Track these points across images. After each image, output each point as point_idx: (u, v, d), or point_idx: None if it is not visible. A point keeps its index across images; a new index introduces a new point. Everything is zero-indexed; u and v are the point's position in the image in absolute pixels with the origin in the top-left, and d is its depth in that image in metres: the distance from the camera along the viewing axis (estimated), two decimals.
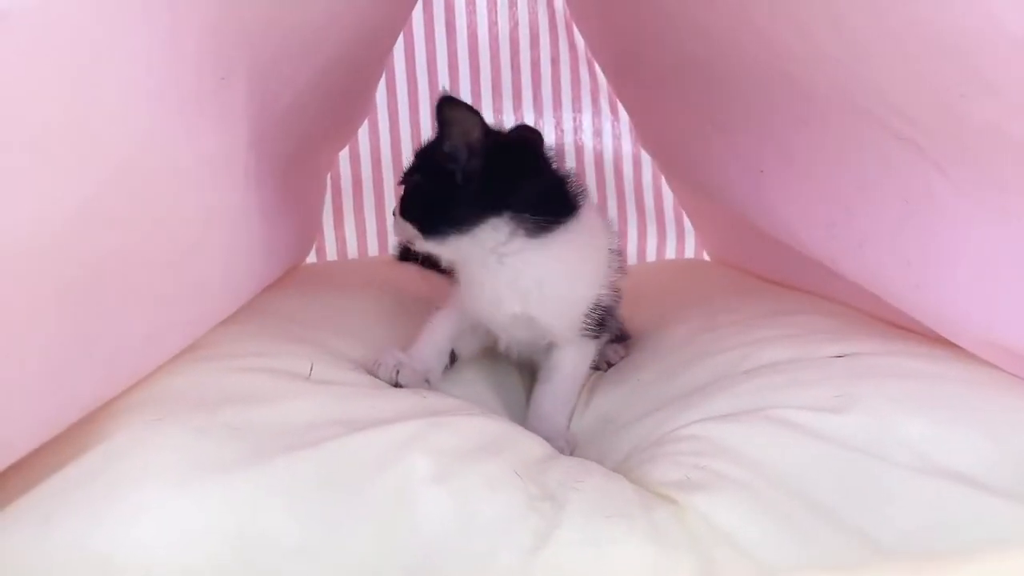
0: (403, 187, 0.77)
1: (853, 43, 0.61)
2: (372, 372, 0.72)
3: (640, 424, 0.73)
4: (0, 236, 0.36)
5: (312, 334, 0.78)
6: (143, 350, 0.56)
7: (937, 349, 0.69)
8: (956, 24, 0.51)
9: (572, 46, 1.59)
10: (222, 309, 0.69)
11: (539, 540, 0.47)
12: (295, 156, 0.91)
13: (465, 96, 1.55)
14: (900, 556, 0.47)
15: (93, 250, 0.44)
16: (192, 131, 0.51)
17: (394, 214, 0.79)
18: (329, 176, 1.44)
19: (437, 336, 0.81)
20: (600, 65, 1.50)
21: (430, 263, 1.03)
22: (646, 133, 1.38)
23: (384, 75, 1.46)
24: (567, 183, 0.78)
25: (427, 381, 0.75)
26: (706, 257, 1.55)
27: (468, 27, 1.53)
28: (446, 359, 0.82)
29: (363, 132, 1.49)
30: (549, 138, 1.62)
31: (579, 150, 1.63)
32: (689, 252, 1.65)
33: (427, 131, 0.86)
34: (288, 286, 0.96)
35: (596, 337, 0.83)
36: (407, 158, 0.88)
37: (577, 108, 1.61)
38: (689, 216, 1.57)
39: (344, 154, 1.49)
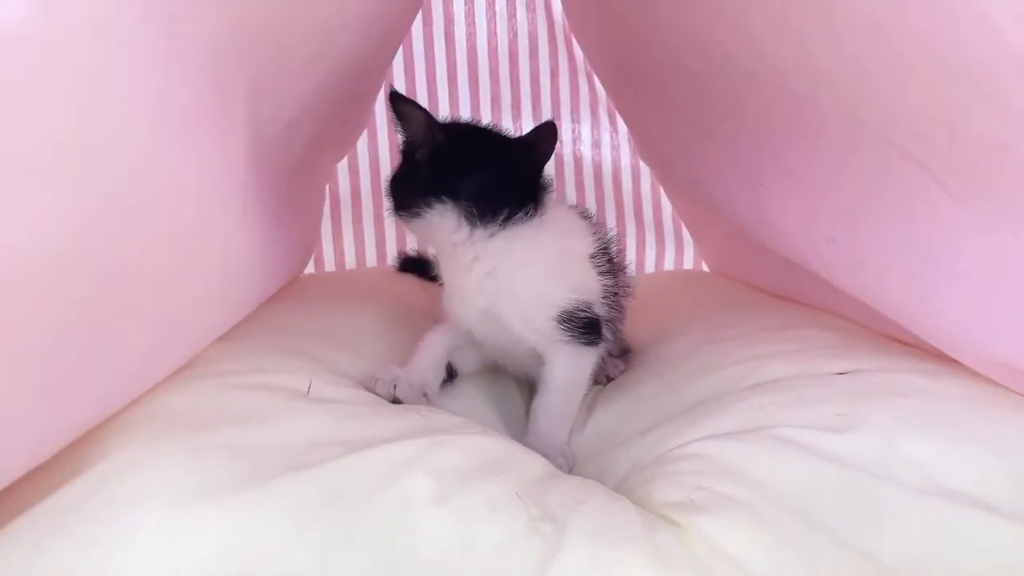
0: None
1: (854, 59, 0.60)
2: (370, 389, 0.72)
3: (641, 441, 0.72)
4: None
5: (311, 348, 0.77)
6: (141, 368, 0.55)
7: (940, 366, 0.69)
8: (959, 40, 0.50)
9: (571, 58, 1.59)
10: (220, 324, 0.68)
11: (541, 564, 0.46)
12: (294, 169, 0.90)
13: (464, 108, 1.56)
14: None
15: (91, 269, 0.44)
16: (192, 149, 0.51)
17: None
18: (327, 187, 1.44)
19: (433, 350, 0.82)
20: (599, 77, 1.51)
21: (430, 274, 1.03)
22: (645, 145, 1.38)
23: (383, 86, 1.46)
24: (528, 181, 0.80)
25: (425, 396, 0.76)
26: (705, 268, 1.55)
27: (467, 39, 1.54)
28: (443, 373, 0.83)
29: (362, 143, 1.49)
30: None
31: (578, 161, 1.63)
32: (688, 263, 1.64)
33: None
34: (287, 298, 0.96)
35: (589, 346, 0.80)
36: None
37: (576, 119, 1.61)
38: (688, 227, 1.57)
39: (343, 165, 1.49)
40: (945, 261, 0.65)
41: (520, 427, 0.82)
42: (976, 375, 0.66)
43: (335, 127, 1.06)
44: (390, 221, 1.53)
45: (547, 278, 0.78)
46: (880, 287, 0.73)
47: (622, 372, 0.98)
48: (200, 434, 0.52)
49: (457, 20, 1.53)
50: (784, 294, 1.11)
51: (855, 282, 0.76)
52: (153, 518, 0.44)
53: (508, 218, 0.76)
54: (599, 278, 0.81)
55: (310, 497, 0.48)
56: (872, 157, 0.68)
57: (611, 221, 1.64)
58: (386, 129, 1.50)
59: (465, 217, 0.75)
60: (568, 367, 0.79)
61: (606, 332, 0.84)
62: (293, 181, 0.92)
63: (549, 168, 1.60)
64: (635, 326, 1.03)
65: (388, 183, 0.82)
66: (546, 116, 1.61)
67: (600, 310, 0.82)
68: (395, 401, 0.71)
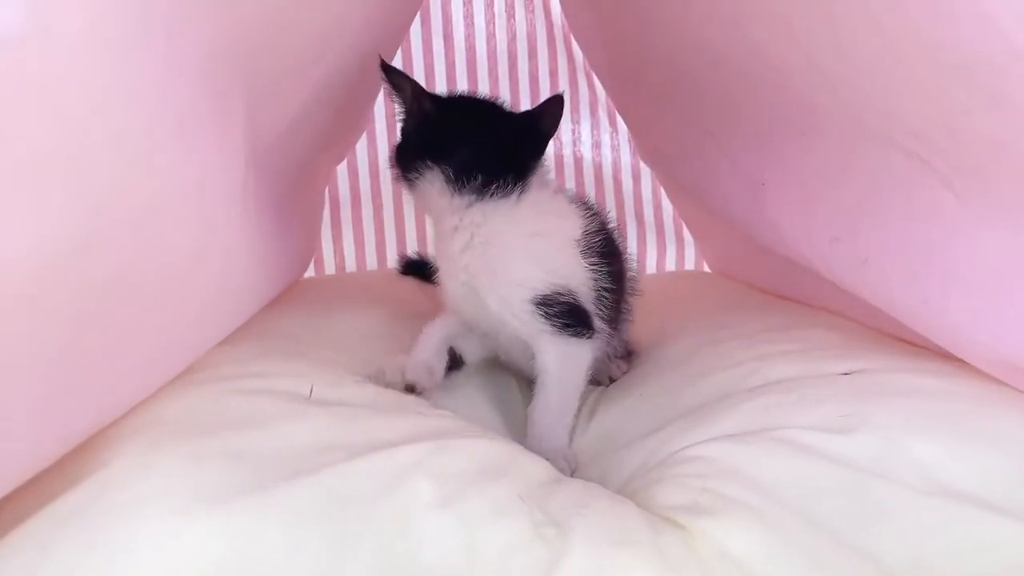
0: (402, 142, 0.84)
1: (855, 59, 0.60)
2: (378, 380, 0.74)
3: (644, 443, 0.72)
4: None
5: (312, 351, 0.77)
6: (141, 374, 0.55)
7: (944, 365, 0.68)
8: (960, 40, 0.50)
9: (570, 59, 1.59)
10: (221, 330, 0.68)
11: (546, 569, 0.46)
12: (294, 172, 0.90)
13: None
14: None
15: (89, 275, 0.43)
16: (190, 153, 0.50)
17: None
18: (327, 190, 1.43)
19: (435, 337, 0.84)
20: (598, 77, 1.50)
21: (431, 277, 1.03)
22: (645, 145, 1.38)
23: (382, 87, 1.45)
24: (518, 156, 0.80)
25: (431, 374, 0.79)
26: (706, 269, 1.55)
27: (466, 40, 1.53)
28: (446, 359, 0.84)
29: (361, 145, 1.49)
30: (547, 150, 1.61)
31: (578, 162, 1.63)
32: (689, 264, 1.64)
33: None
34: (287, 302, 0.95)
35: (577, 338, 0.78)
36: None
37: (576, 120, 1.61)
38: (689, 227, 1.57)
39: (342, 168, 1.48)
40: (948, 259, 0.64)
41: (522, 429, 0.81)
42: (980, 374, 0.65)
43: (334, 130, 1.05)
44: (390, 223, 1.54)
45: (522, 258, 0.77)
46: (883, 286, 0.73)
47: (624, 373, 0.97)
48: (201, 440, 0.51)
49: (455, 21, 1.52)
50: (785, 294, 1.11)
51: (857, 282, 0.76)
52: (154, 525, 0.44)
53: (485, 188, 0.76)
54: (585, 266, 0.80)
55: (312, 503, 0.48)
56: (873, 156, 0.68)
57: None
58: (385, 131, 1.50)
59: (447, 183, 0.77)
60: (557, 360, 0.78)
61: (602, 326, 0.82)
62: (293, 185, 0.92)
63: (549, 169, 1.61)
64: (636, 327, 1.03)
65: (396, 148, 0.83)
66: None
67: (586, 299, 0.80)
68: (408, 389, 0.74)
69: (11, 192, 0.35)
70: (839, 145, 0.71)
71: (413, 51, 1.50)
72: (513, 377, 0.93)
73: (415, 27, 1.48)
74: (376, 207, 1.53)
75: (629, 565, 0.47)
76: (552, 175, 0.86)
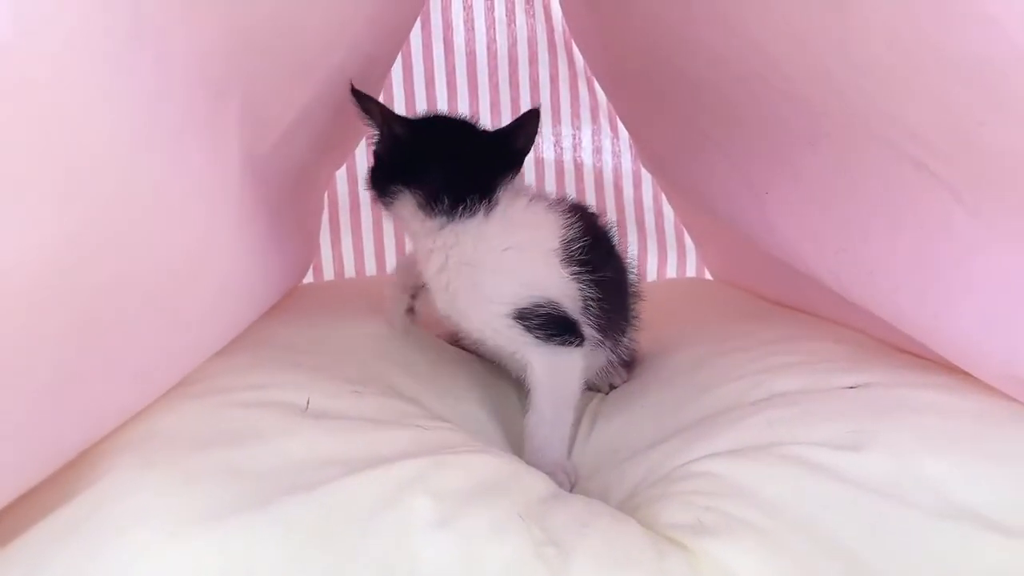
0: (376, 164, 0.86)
1: (864, 67, 0.59)
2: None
3: (646, 456, 0.71)
4: None
5: (310, 360, 0.75)
6: (134, 387, 0.54)
7: (952, 380, 0.67)
8: (974, 50, 0.49)
9: (571, 63, 1.58)
10: (216, 341, 0.67)
11: None
12: (292, 178, 0.89)
13: (463, 112, 1.55)
14: None
15: (79, 286, 0.42)
16: (183, 159, 0.49)
17: None
18: (326, 194, 1.42)
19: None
20: (599, 82, 1.49)
21: None
22: (646, 151, 1.37)
23: (382, 93, 1.44)
24: (491, 173, 0.80)
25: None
26: (708, 276, 1.53)
27: (466, 45, 1.52)
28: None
29: (360, 150, 1.47)
30: (548, 155, 1.61)
31: (578, 168, 1.62)
32: (691, 271, 1.63)
33: None
34: (285, 309, 0.94)
35: (565, 346, 0.76)
36: None
37: (576, 126, 1.60)
38: (691, 234, 1.56)
39: (341, 172, 1.47)
40: (958, 273, 0.63)
41: (522, 442, 0.80)
42: (989, 389, 0.64)
43: (333, 135, 1.04)
44: (389, 228, 1.53)
45: (495, 274, 0.76)
46: (891, 299, 0.71)
47: (625, 381, 0.96)
48: (195, 456, 0.50)
49: (456, 26, 1.51)
50: (789, 303, 1.10)
51: (865, 294, 0.75)
52: (149, 543, 0.43)
53: (454, 209, 0.76)
54: (566, 275, 0.78)
55: (308, 521, 0.47)
56: (882, 166, 0.67)
57: None
58: None
59: (419, 206, 0.78)
60: (546, 371, 0.76)
61: (592, 333, 0.80)
62: (291, 190, 0.90)
63: (551, 175, 1.60)
64: (636, 334, 1.02)
65: (371, 171, 0.85)
66: (546, 122, 1.59)
67: (572, 308, 0.78)
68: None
69: (1, 201, 0.34)
70: (846, 154, 0.70)
71: (413, 56, 1.49)
72: (512, 389, 0.91)
73: (415, 32, 1.47)
74: (375, 212, 1.52)
75: None
76: (529, 183, 0.85)
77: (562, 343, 0.76)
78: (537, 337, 0.75)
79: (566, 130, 1.61)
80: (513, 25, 1.55)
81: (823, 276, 0.81)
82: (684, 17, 0.81)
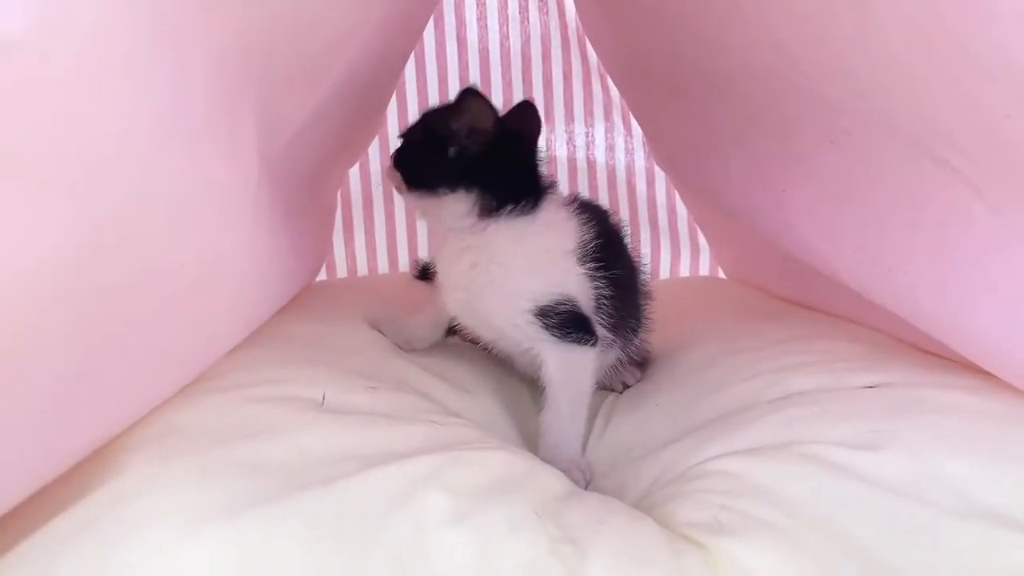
0: (402, 140, 0.85)
1: (885, 64, 0.58)
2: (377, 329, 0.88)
3: (661, 454, 0.70)
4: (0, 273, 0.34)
5: (325, 356, 0.75)
6: (150, 384, 0.54)
7: (973, 379, 0.66)
8: (1000, 44, 0.48)
9: (585, 60, 1.57)
10: (232, 338, 0.67)
11: None
12: (306, 177, 0.89)
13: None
14: None
15: (97, 286, 0.42)
16: (200, 161, 0.49)
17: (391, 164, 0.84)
18: (339, 192, 1.42)
19: (436, 310, 0.88)
20: (613, 80, 1.49)
21: None
22: (660, 148, 1.36)
23: (394, 92, 1.44)
24: (537, 175, 0.82)
25: (423, 341, 0.90)
26: (721, 275, 1.53)
27: (479, 42, 1.52)
28: (441, 332, 0.92)
29: (373, 148, 1.47)
30: (561, 153, 1.61)
31: (591, 165, 1.62)
32: (704, 269, 1.62)
33: None
34: (300, 307, 0.94)
35: (579, 344, 0.78)
36: None
37: (589, 123, 1.59)
38: (704, 232, 1.55)
39: (354, 170, 1.47)
40: (979, 271, 0.62)
41: (535, 438, 0.80)
42: (1010, 389, 0.63)
43: (347, 134, 1.04)
44: (402, 226, 1.53)
45: (524, 273, 0.78)
46: (910, 297, 0.71)
47: (638, 380, 0.96)
48: (211, 451, 0.50)
49: (469, 24, 1.51)
50: (803, 302, 1.09)
51: (883, 292, 0.74)
52: (162, 541, 0.43)
53: (502, 209, 0.77)
54: (583, 273, 0.80)
55: (323, 517, 0.46)
56: (902, 162, 0.66)
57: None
58: (397, 134, 1.49)
59: (479, 207, 0.77)
60: (560, 368, 0.78)
61: (605, 332, 0.82)
62: (305, 190, 0.91)
63: (563, 172, 1.60)
64: (650, 333, 1.01)
65: (407, 161, 0.82)
66: (559, 119, 1.59)
67: (587, 306, 0.80)
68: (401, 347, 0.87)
69: (20, 201, 0.34)
70: (866, 151, 0.69)
71: (426, 54, 1.49)
72: (525, 385, 0.91)
73: (428, 30, 1.47)
74: (388, 210, 1.52)
75: None
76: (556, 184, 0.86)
77: (576, 341, 0.78)
78: (554, 335, 0.77)
79: (579, 128, 1.60)
80: (526, 22, 1.54)
81: (841, 275, 0.80)
82: (702, 14, 0.80)
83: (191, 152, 0.47)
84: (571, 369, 0.78)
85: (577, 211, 0.84)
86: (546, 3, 1.55)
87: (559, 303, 0.77)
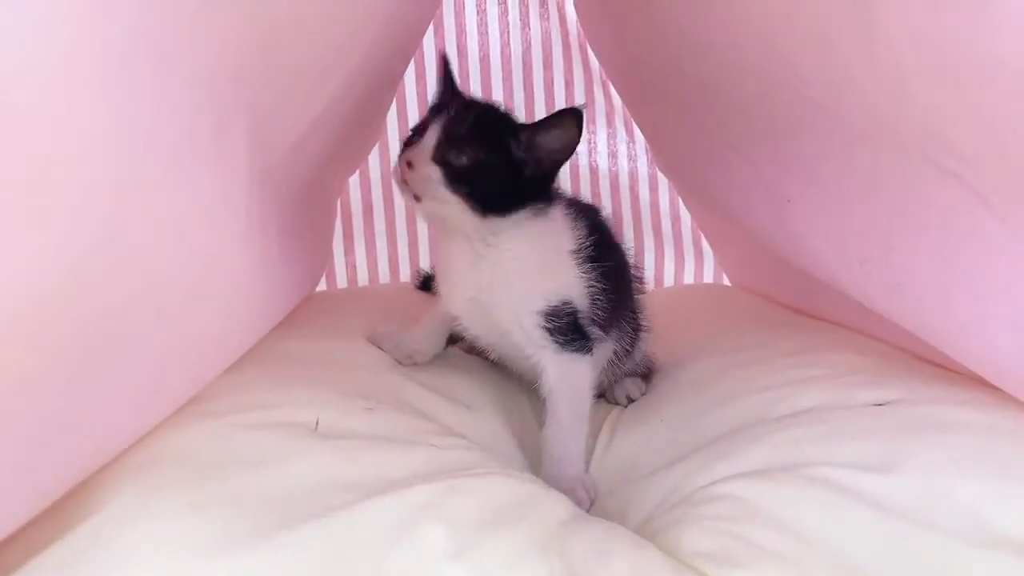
0: (460, 160, 0.74)
1: (892, 71, 0.57)
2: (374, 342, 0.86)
3: (666, 473, 0.69)
4: None
5: (321, 375, 0.74)
6: (138, 411, 0.52)
7: (982, 395, 0.65)
8: (1008, 57, 0.47)
9: (586, 67, 1.56)
10: (224, 360, 0.65)
11: None
12: (303, 189, 0.88)
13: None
14: None
15: (81, 313, 0.41)
16: (186, 181, 0.48)
17: (405, 165, 0.74)
18: (339, 201, 1.41)
19: (436, 321, 0.88)
20: (615, 87, 1.47)
21: None
22: (663, 156, 1.35)
23: (395, 97, 1.43)
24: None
25: (424, 354, 0.88)
26: (726, 282, 1.51)
27: (480, 49, 1.51)
28: (442, 343, 0.90)
29: (373, 156, 1.46)
30: None
31: (594, 172, 1.60)
32: (708, 276, 1.60)
33: None
34: (297, 321, 0.93)
35: (579, 352, 0.78)
36: None
37: (592, 130, 1.58)
38: (708, 239, 1.53)
39: (354, 179, 1.46)
40: (988, 284, 0.61)
41: (536, 452, 0.78)
42: (1021, 404, 0.62)
43: (346, 143, 1.03)
44: (403, 235, 1.52)
45: (538, 273, 0.78)
46: (916, 310, 0.69)
47: (643, 394, 0.94)
48: (198, 483, 0.49)
49: (470, 31, 1.50)
50: (808, 310, 1.07)
51: (890, 305, 0.73)
52: None
53: (515, 210, 0.76)
54: (581, 274, 0.80)
55: (316, 554, 0.45)
56: (908, 172, 0.64)
57: (628, 233, 1.60)
58: (398, 142, 1.48)
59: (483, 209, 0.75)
60: (560, 378, 0.77)
61: (599, 333, 0.81)
62: (302, 201, 0.89)
63: (566, 179, 1.58)
64: (654, 343, 1.00)
65: (474, 184, 0.73)
66: None
67: (583, 306, 0.80)
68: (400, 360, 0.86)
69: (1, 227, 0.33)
70: (872, 162, 0.68)
71: (427, 62, 1.47)
72: (526, 398, 0.90)
73: (428, 38, 1.46)
74: (389, 219, 1.51)
75: None
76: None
77: (576, 350, 0.78)
78: (556, 341, 0.77)
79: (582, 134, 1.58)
80: (527, 29, 1.53)
81: (847, 287, 0.78)
82: (703, 22, 0.79)
83: (175, 172, 0.46)
84: (571, 378, 0.78)
85: (572, 210, 0.84)
86: (547, 10, 1.53)
87: (564, 304, 0.78)
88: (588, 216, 0.86)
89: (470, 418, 0.80)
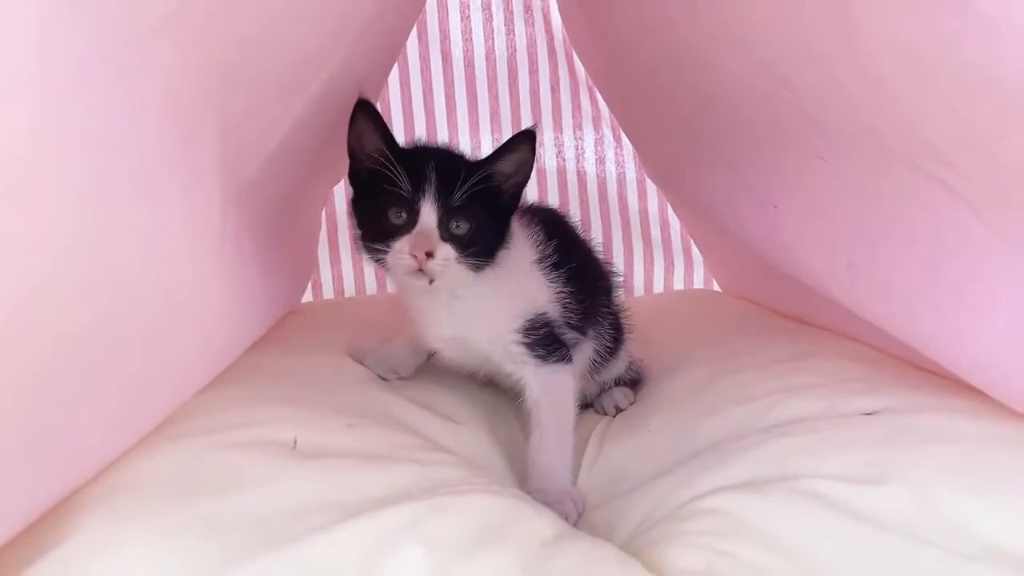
0: (460, 229, 0.72)
1: (878, 80, 0.56)
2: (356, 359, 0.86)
3: (653, 486, 0.68)
4: None
5: (301, 392, 0.73)
6: (110, 435, 0.51)
7: (974, 404, 0.64)
8: (993, 63, 0.46)
9: (572, 72, 1.55)
10: (197, 380, 0.63)
11: None
12: (283, 200, 0.86)
13: (463, 124, 1.53)
14: None
15: (47, 336, 0.40)
16: (155, 198, 0.47)
17: (424, 256, 0.70)
18: (324, 212, 1.39)
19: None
20: (601, 93, 1.46)
21: None
22: (650, 162, 1.34)
23: (379, 104, 1.42)
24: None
25: (396, 373, 0.87)
26: (716, 287, 1.50)
27: (465, 55, 1.50)
28: (424, 356, 0.89)
29: None
30: (550, 165, 1.58)
31: (581, 177, 1.59)
32: (698, 282, 1.60)
33: None
34: (278, 337, 0.91)
35: (560, 362, 0.78)
36: None
37: (579, 135, 1.57)
38: (698, 244, 1.52)
39: (339, 188, 1.44)
40: (978, 292, 0.60)
41: (522, 464, 0.77)
42: (1014, 414, 0.61)
43: (327, 152, 1.01)
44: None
45: (508, 297, 0.78)
46: (907, 318, 0.68)
47: (632, 403, 0.93)
48: (170, 508, 0.47)
49: (453, 37, 1.49)
50: (798, 315, 1.06)
51: (879, 312, 0.72)
52: None
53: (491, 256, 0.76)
54: (547, 281, 0.80)
55: None
56: (896, 180, 0.64)
57: (617, 239, 1.59)
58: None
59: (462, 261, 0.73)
60: (543, 390, 0.77)
61: (574, 335, 0.82)
62: (282, 213, 0.88)
63: (553, 185, 1.57)
64: (643, 350, 0.99)
65: (479, 245, 0.73)
66: (548, 131, 1.57)
67: (555, 313, 0.80)
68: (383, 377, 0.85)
69: None
70: (859, 169, 0.67)
71: (410, 68, 1.46)
72: (511, 409, 0.88)
73: (412, 44, 1.45)
74: None
75: None
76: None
77: (557, 360, 0.79)
78: (537, 355, 0.78)
79: (568, 140, 1.58)
80: (512, 34, 1.52)
81: (836, 293, 0.77)
82: (689, 30, 0.78)
83: (143, 190, 0.45)
84: (554, 390, 0.78)
85: (526, 218, 0.84)
86: (532, 15, 1.53)
87: (539, 316, 0.78)
88: (544, 219, 0.86)
89: (456, 432, 0.78)
